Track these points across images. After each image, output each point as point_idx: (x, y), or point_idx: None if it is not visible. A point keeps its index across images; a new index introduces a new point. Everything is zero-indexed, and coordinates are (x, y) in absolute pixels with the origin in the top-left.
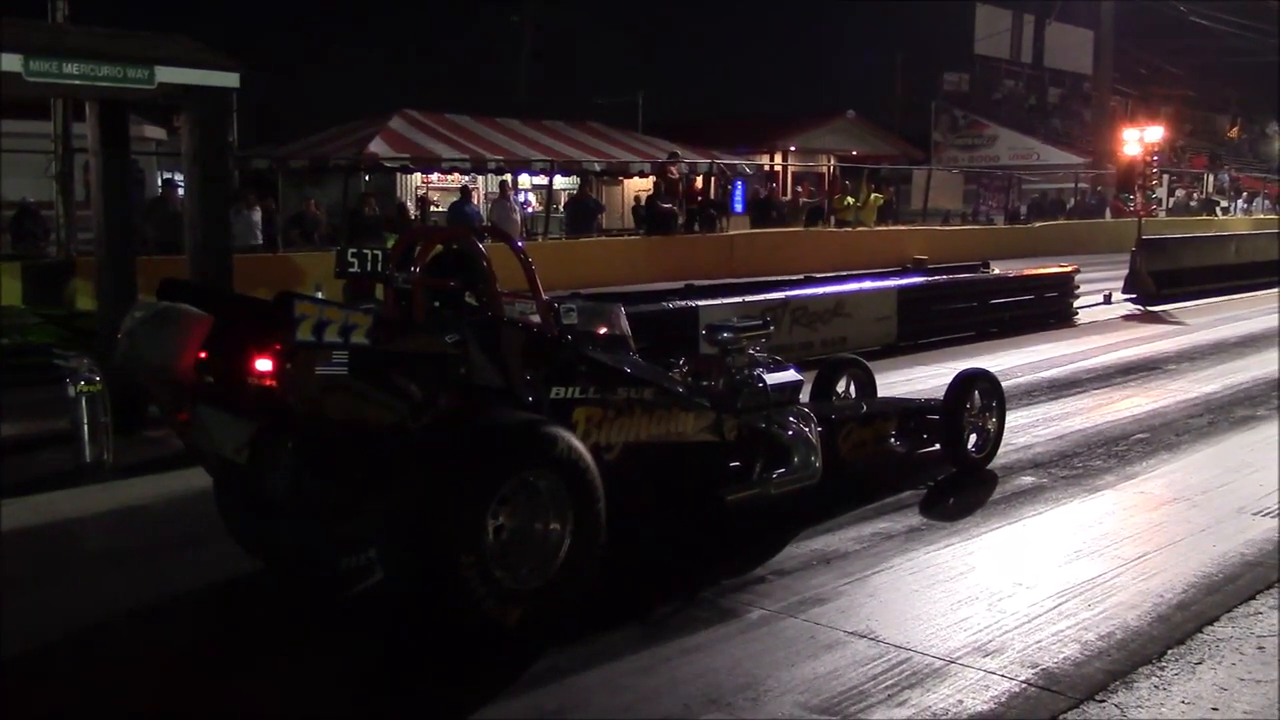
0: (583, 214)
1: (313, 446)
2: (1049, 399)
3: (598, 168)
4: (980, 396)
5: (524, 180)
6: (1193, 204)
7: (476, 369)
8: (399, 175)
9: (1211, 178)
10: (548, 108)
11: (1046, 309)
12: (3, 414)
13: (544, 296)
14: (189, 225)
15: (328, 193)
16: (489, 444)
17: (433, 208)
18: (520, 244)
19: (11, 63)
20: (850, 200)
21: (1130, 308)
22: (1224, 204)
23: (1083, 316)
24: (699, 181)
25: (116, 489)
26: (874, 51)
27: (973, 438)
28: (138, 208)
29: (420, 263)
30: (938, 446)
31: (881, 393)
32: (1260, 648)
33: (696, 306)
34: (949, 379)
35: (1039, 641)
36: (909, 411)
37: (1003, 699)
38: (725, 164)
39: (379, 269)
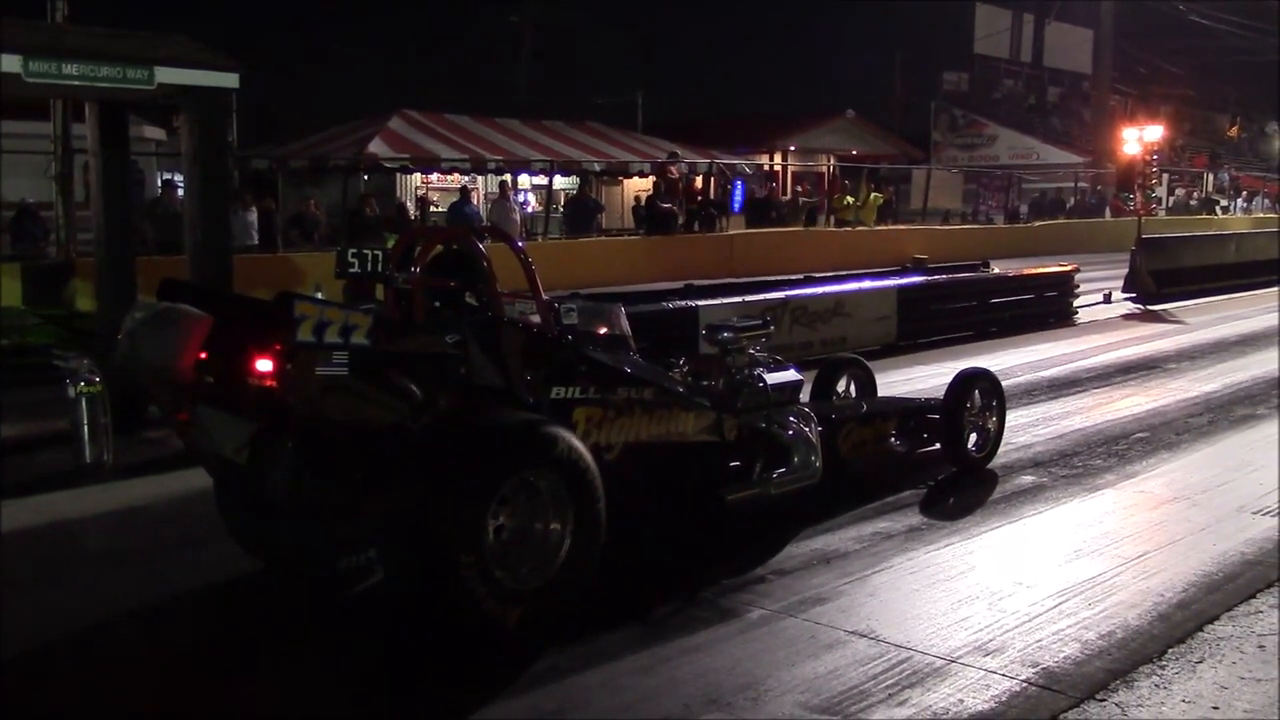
0: (582, 214)
1: (313, 446)
2: (1049, 398)
3: (597, 168)
4: (980, 396)
5: (524, 180)
6: (1192, 203)
7: (477, 369)
8: (399, 175)
9: (1211, 177)
10: (547, 108)
11: (1046, 308)
12: (3, 414)
13: (544, 296)
14: (189, 225)
15: (327, 193)
16: (489, 444)
17: (432, 208)
18: (520, 244)
19: (11, 63)
20: (850, 200)
21: (1130, 307)
22: (1224, 203)
23: (1082, 316)
24: (698, 181)
25: (116, 489)
26: (874, 51)
27: (973, 437)
28: (137, 208)
29: (420, 263)
30: (938, 446)
31: (881, 392)
32: (1261, 646)
33: (696, 306)
34: (949, 378)
35: (1039, 640)
36: (909, 411)
37: (1003, 698)
38: (725, 164)
39: (379, 269)
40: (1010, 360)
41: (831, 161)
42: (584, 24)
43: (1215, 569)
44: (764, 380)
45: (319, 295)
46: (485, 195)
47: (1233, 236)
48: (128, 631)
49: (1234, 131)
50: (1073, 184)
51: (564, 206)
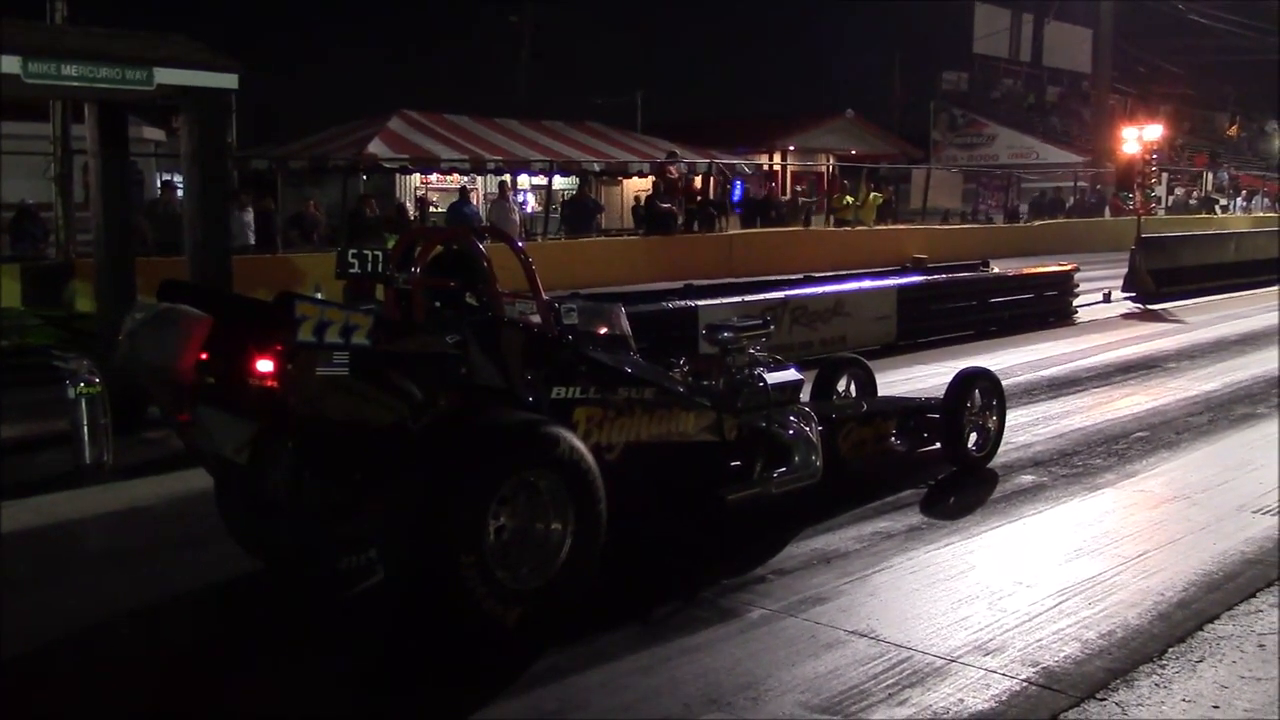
0: (582, 214)
1: (313, 446)
2: (1049, 397)
3: (597, 168)
4: (980, 395)
5: (523, 180)
6: (1192, 202)
7: (477, 369)
8: (398, 176)
9: (1210, 176)
10: (547, 108)
11: (1046, 308)
12: (3, 415)
13: (544, 296)
14: (188, 226)
15: (327, 193)
16: (489, 444)
17: (432, 208)
18: (520, 244)
19: (10, 64)
20: (849, 200)
21: (1130, 306)
22: (1223, 202)
23: (1082, 315)
24: (698, 181)
25: (116, 490)
26: (873, 51)
27: (973, 436)
28: (137, 209)
29: (420, 263)
30: (938, 445)
31: (881, 392)
32: (1261, 645)
33: (696, 306)
34: (949, 378)
35: (1040, 640)
36: (909, 410)
37: (1003, 697)
38: (724, 164)
39: (379, 270)
40: (1010, 359)
41: (831, 161)
42: (584, 24)
43: (1215, 568)
44: (764, 380)
45: (319, 296)
46: (485, 195)
47: (1232, 236)
48: (128, 631)
49: (1233, 130)
50: (1072, 183)
51: (563, 206)
